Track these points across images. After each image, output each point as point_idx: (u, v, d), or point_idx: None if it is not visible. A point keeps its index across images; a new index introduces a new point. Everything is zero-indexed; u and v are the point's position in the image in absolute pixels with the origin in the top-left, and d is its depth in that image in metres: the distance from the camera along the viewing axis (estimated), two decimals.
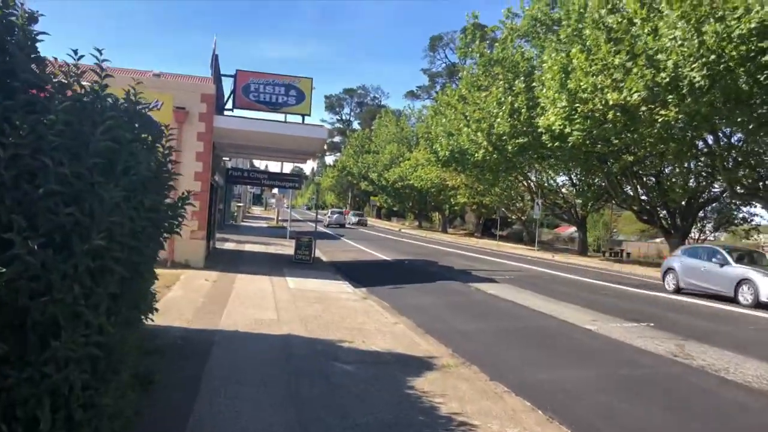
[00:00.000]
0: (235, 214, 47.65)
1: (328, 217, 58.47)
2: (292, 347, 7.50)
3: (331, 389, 5.84)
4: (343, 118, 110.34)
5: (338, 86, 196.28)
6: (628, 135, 22.10)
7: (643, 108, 18.63)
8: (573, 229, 65.33)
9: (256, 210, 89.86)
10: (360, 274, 18.16)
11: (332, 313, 10.42)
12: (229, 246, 24.21)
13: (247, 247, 24.18)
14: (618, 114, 19.46)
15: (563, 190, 40.16)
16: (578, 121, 21.24)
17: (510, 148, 29.12)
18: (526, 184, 40.89)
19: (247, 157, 24.98)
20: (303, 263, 19.20)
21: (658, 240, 66.27)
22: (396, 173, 58.27)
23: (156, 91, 15.90)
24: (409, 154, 58.49)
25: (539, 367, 7.94)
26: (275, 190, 54.40)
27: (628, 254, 43.98)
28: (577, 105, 20.96)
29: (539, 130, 25.17)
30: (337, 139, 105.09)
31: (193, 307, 9.71)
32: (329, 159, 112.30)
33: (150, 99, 15.65)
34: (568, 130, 21.94)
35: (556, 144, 25.00)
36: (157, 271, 12.59)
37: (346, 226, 55.99)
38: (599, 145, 24.66)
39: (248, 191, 71.19)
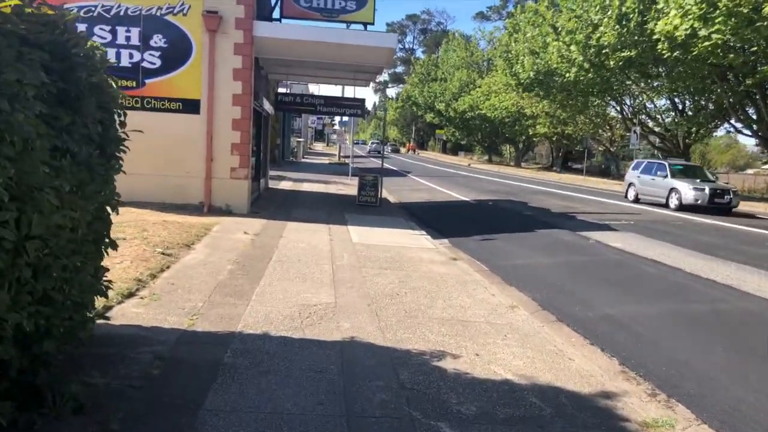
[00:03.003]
0: (295, 150, 44.73)
1: (369, 146, 73.29)
2: (359, 381, 4.16)
3: None
4: (406, 47, 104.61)
5: (400, 13, 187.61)
6: None
7: None
8: None
9: (318, 146, 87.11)
10: (437, 219, 14.73)
11: (414, 289, 7.05)
12: (285, 185, 21.18)
13: (305, 187, 21.08)
14: None
15: (663, 115, 34.74)
16: (719, 20, 16.41)
17: (612, 63, 24.27)
18: (619, 109, 35.73)
19: (299, 79, 21.54)
20: (368, 206, 15.95)
21: (750, 172, 59.34)
22: (466, 102, 53.51)
23: None
24: (481, 80, 53.45)
25: None
26: (336, 125, 51.00)
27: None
28: None
29: (655, 37, 20.31)
30: (399, 69, 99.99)
31: (211, 284, 6.53)
32: (391, 92, 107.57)
33: (173, 1, 12.08)
34: (703, 32, 17.12)
35: (675, 55, 20.15)
36: (188, 219, 9.42)
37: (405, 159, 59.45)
38: (731, 55, 19.61)
39: (309, 126, 68.23)
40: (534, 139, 50.64)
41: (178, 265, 7.22)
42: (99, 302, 5.12)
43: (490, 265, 9.28)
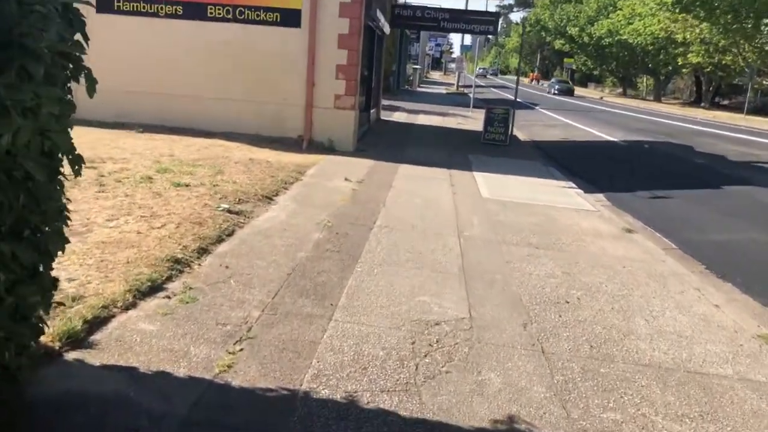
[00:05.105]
0: (411, 78, 41.85)
1: (477, 71, 68.54)
2: None
3: None
4: None
5: None
6: None
7: None
8: None
9: (435, 74, 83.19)
10: (583, 165, 11.86)
11: (590, 289, 4.55)
12: (398, 117, 18.78)
13: (420, 119, 18.56)
14: None
15: None
16: None
17: None
18: None
19: None
20: (496, 145, 13.29)
21: None
22: (604, 27, 47.45)
23: None
24: (623, 2, 46.99)
25: None
26: (455, 52, 47.27)
27: None
28: None
29: None
30: None
31: (284, 268, 4.38)
32: (516, 16, 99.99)
33: None
34: None
35: None
36: (280, 158, 6.11)
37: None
38: None
39: (426, 53, 64.53)
40: (683, 69, 44.05)
41: (245, 232, 5.13)
42: (86, 310, 3.11)
43: (679, 241, 6.55)
